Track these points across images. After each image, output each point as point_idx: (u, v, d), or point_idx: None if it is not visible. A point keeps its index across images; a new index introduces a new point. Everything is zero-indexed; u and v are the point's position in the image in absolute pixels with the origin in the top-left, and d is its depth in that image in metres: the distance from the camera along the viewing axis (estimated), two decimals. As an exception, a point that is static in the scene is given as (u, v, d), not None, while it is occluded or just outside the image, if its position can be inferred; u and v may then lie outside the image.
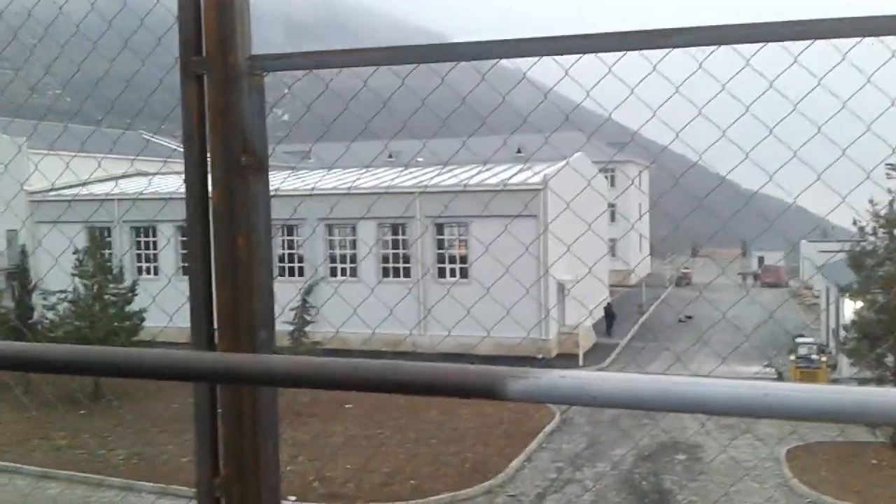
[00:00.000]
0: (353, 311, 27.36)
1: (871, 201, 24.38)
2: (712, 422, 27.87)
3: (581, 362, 35.23)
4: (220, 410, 1.76)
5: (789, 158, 2.71)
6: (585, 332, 37.08)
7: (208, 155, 1.73)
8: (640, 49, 1.87)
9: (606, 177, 55.56)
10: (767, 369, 33.37)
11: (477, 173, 38.67)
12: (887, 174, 23.59)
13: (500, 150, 46.20)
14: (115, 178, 43.76)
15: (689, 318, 47.54)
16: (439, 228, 39.41)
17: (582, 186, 37.75)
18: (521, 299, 31.93)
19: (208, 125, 1.71)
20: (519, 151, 49.10)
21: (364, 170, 41.71)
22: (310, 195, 33.30)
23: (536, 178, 35.49)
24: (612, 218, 55.65)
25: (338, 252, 40.97)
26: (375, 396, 25.65)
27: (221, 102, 1.68)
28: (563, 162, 36.08)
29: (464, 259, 38.65)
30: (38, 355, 1.44)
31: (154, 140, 58.13)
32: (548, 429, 26.99)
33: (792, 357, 31.88)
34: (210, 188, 1.73)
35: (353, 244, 40.31)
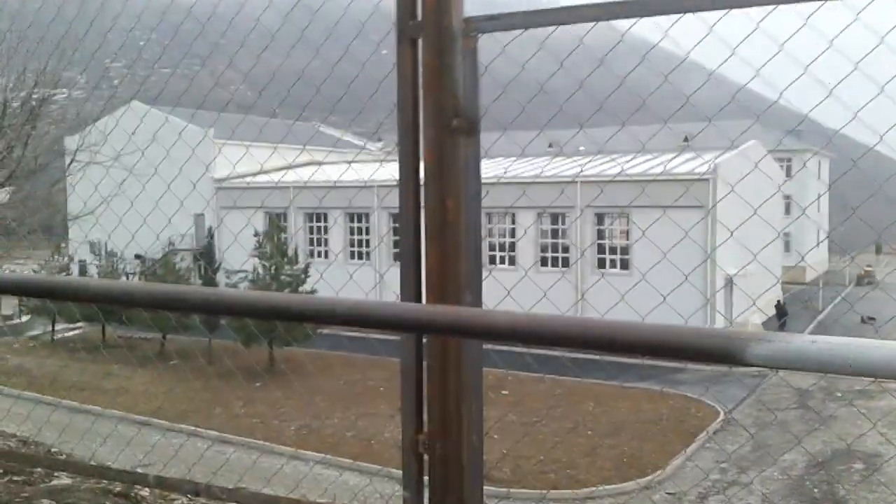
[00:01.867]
0: (507, 293, 27.40)
1: None
2: (893, 430, 25.63)
3: (749, 361, 33.51)
4: (426, 366, 1.80)
5: None
6: (755, 329, 35.14)
7: (421, 118, 1.76)
8: None
9: (782, 167, 52.18)
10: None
11: (642, 161, 37.57)
12: None
13: (667, 138, 44.63)
14: (291, 167, 46.47)
15: (872, 319, 43.76)
16: (599, 218, 38.68)
17: (754, 176, 35.76)
18: (682, 291, 30.83)
19: (423, 88, 1.73)
20: (686, 139, 47.15)
21: (525, 158, 41.64)
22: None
23: (704, 167, 33.95)
24: (787, 210, 52.25)
25: (497, 240, 41.23)
26: (531, 387, 25.68)
27: (436, 65, 1.71)
28: (735, 150, 34.28)
29: (625, 250, 37.74)
30: (269, 301, 1.52)
31: (323, 131, 61.05)
32: (711, 428, 25.85)
33: None
34: (422, 150, 1.76)
35: (513, 232, 40.39)
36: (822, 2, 1.68)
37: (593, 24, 1.61)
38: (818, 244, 61.80)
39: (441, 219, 1.77)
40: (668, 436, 24.91)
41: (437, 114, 1.73)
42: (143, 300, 1.55)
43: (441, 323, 1.39)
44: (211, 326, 30.73)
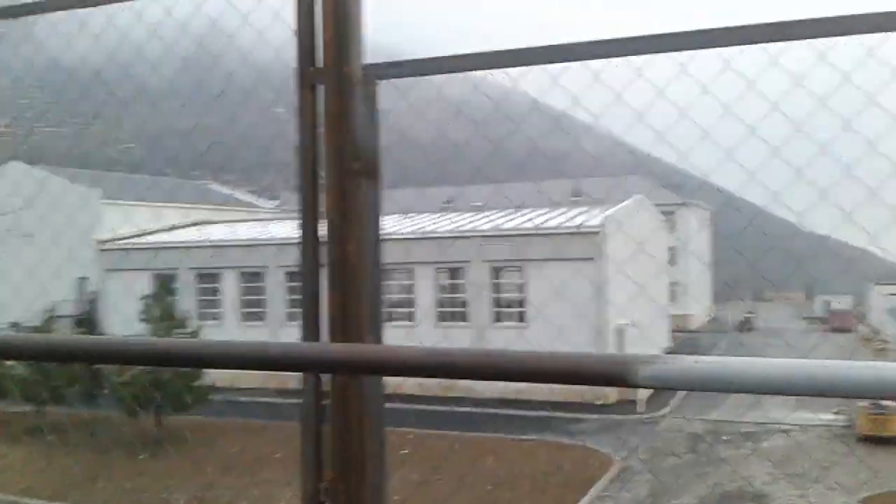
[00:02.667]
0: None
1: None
2: (780, 470, 26.83)
3: (641, 409, 34.44)
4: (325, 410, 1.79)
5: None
6: (645, 377, 36.34)
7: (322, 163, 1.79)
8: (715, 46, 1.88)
9: (666, 219, 54.87)
10: (838, 415, 32.16)
11: (534, 218, 38.68)
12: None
13: (559, 192, 46.23)
14: (179, 227, 45.19)
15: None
16: (496, 273, 39.37)
17: (640, 227, 37.40)
18: (576, 341, 31.60)
19: (323, 133, 1.77)
20: (576, 196, 48.93)
21: (422, 216, 42.11)
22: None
23: (595, 221, 35.29)
24: (673, 260, 54.77)
25: (395, 296, 41.19)
26: (430, 442, 25.43)
27: (336, 110, 1.75)
28: (622, 204, 35.84)
29: (521, 303, 38.46)
30: (162, 350, 1.49)
31: (216, 189, 59.93)
32: (606, 476, 26.31)
33: (862, 403, 30.60)
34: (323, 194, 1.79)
35: (411, 289, 40.48)
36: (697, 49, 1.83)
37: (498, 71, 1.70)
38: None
39: (342, 262, 1.79)
40: (567, 486, 25.19)
41: (338, 158, 1.77)
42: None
43: (341, 359, 1.40)
44: (90, 397, 29.16)
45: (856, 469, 26.61)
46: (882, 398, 1.17)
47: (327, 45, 1.74)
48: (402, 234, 37.90)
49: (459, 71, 1.69)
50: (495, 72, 1.73)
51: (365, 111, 1.75)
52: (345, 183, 1.75)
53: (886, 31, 2.14)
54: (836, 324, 59.94)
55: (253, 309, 44.34)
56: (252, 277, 43.97)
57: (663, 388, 1.27)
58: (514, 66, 1.70)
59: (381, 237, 1.82)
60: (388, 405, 1.94)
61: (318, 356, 1.41)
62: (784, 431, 31.88)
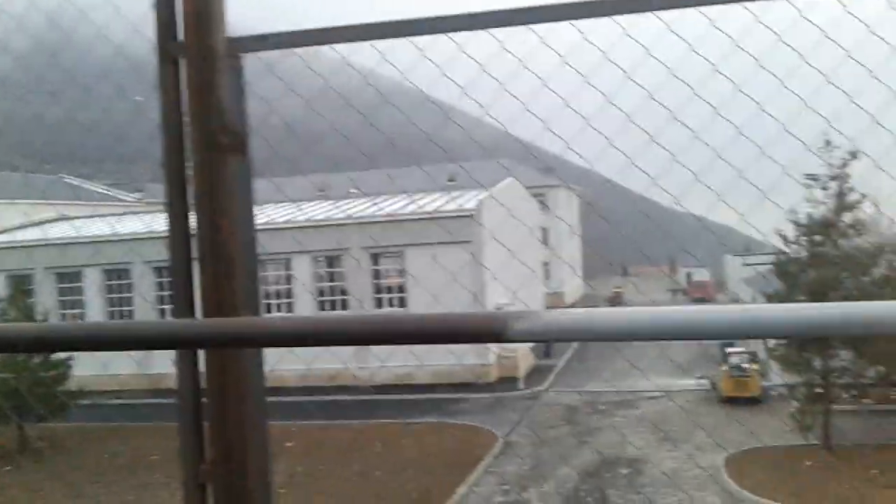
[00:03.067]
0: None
1: (792, 211, 25.49)
2: (653, 435, 28.35)
3: (521, 385, 35.42)
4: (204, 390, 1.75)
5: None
6: (524, 355, 37.37)
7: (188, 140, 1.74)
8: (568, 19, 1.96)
9: (539, 201, 56.47)
10: (702, 381, 34.24)
11: (410, 203, 38.82)
12: (806, 184, 24.76)
13: (433, 181, 46.57)
14: (36, 224, 42.35)
15: (624, 336, 48.33)
16: (375, 259, 39.31)
17: (514, 210, 38.29)
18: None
19: (187, 108, 1.72)
20: (451, 180, 49.46)
21: (296, 205, 41.36)
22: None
23: (469, 206, 35.85)
24: (545, 242, 56.48)
25: (272, 288, 40.35)
26: (315, 433, 25.15)
27: (199, 85, 1.70)
28: (494, 188, 36.56)
29: (401, 288, 38.61)
30: (35, 334, 1.41)
31: (72, 182, 56.47)
32: (491, 453, 26.95)
33: (724, 367, 32.77)
34: (190, 170, 1.74)
35: (288, 279, 39.78)
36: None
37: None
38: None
39: (213, 239, 1.75)
40: (454, 466, 25.61)
41: (204, 133, 1.72)
42: None
43: (213, 333, 1.37)
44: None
45: (720, 429, 28.49)
46: (730, 339, 1.28)
47: (188, 17, 1.69)
48: (277, 223, 37.16)
49: (329, 44, 1.68)
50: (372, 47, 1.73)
51: (231, 85, 1.71)
52: (213, 159, 1.71)
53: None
54: (696, 294, 63.82)
55: (116, 308, 42.30)
56: (115, 274, 41.88)
57: (537, 340, 1.33)
58: (384, 39, 1.71)
59: (253, 212, 1.79)
60: (270, 399, 1.92)
61: (188, 332, 1.38)
62: (654, 398, 33.68)
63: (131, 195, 58.90)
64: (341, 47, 1.79)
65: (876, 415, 26.84)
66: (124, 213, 46.27)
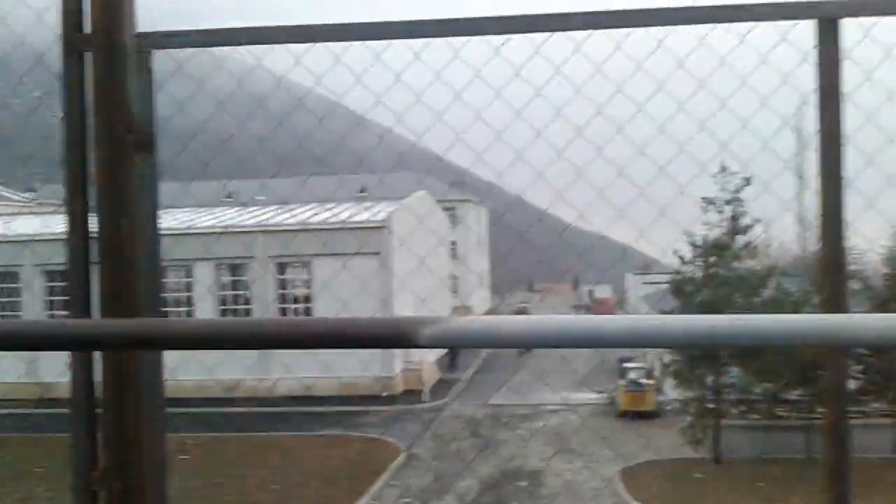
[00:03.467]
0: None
1: (689, 233, 26.60)
2: (551, 448, 28.88)
3: (426, 397, 35.46)
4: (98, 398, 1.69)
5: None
6: (429, 367, 37.46)
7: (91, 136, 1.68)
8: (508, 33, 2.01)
9: (449, 215, 56.86)
10: (601, 394, 35.15)
11: (319, 212, 38.41)
12: (703, 207, 25.90)
13: (343, 190, 46.24)
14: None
15: (528, 350, 49.22)
16: (281, 268, 38.64)
17: (424, 224, 38.45)
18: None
19: (93, 103, 1.66)
20: (362, 191, 49.24)
21: (202, 209, 40.25)
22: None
23: (379, 217, 35.77)
24: (454, 255, 56.90)
25: (171, 295, 39.04)
26: (214, 446, 24.42)
27: (106, 80, 1.65)
28: (405, 200, 36.64)
29: (307, 299, 38.08)
30: None
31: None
32: (394, 465, 26.84)
33: (622, 382, 33.75)
34: (92, 167, 1.68)
35: (189, 286, 38.60)
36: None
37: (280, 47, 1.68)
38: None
39: (114, 239, 1.69)
40: (356, 478, 25.37)
41: (109, 130, 1.66)
42: None
43: (108, 334, 1.33)
44: None
45: (616, 442, 29.30)
46: (623, 346, 1.33)
47: (95, 9, 1.63)
48: (179, 228, 36.03)
49: (240, 44, 1.66)
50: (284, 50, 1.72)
51: (138, 81, 1.67)
52: (117, 156, 1.66)
53: (673, 24, 2.39)
54: (598, 310, 65.61)
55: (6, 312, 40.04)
56: (4, 278, 39.66)
57: (446, 346, 1.35)
58: (296, 42, 1.70)
59: (158, 213, 1.74)
60: (169, 409, 1.86)
61: (82, 331, 1.33)
62: (555, 411, 34.36)
63: (22, 195, 55.92)
64: (255, 50, 1.77)
65: (762, 430, 28.18)
66: (14, 214, 43.90)
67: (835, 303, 2.25)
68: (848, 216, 2.21)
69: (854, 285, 31.32)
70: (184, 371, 30.48)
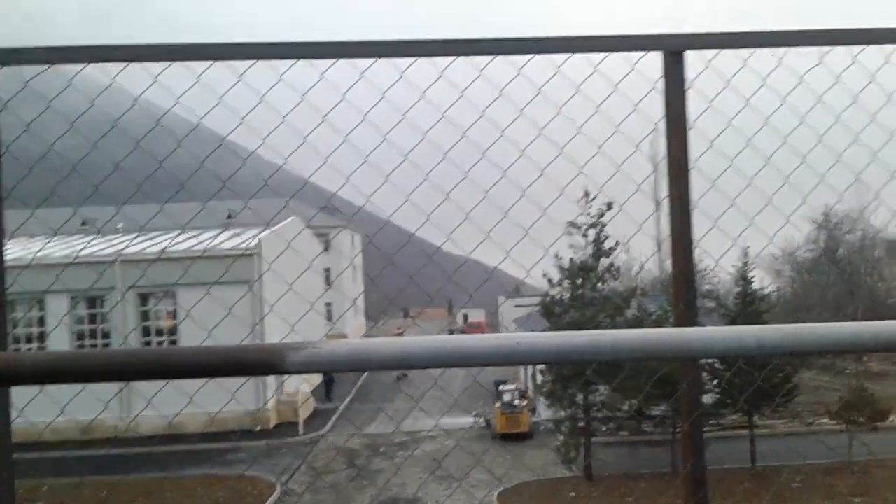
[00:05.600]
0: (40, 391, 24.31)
1: (556, 256, 27.53)
2: (430, 473, 28.90)
3: (301, 430, 34.66)
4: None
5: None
6: (304, 399, 36.66)
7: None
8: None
9: (322, 242, 56.19)
10: (477, 418, 35.57)
11: (186, 239, 36.99)
12: (568, 232, 26.90)
13: (211, 216, 44.76)
14: None
15: (405, 375, 49.27)
16: (143, 299, 36.87)
17: (296, 251, 37.82)
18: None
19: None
20: (229, 217, 47.89)
21: (52, 238, 37.82)
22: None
23: (248, 244, 34.86)
24: (328, 282, 56.23)
25: (21, 331, 36.38)
26: (68, 493, 22.80)
27: (-60, 95, 1.52)
28: (276, 227, 35.92)
29: (172, 331, 36.47)
30: None
31: None
32: (268, 502, 26.00)
33: (497, 404, 34.31)
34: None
35: (41, 321, 36.11)
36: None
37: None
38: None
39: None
40: (228, 517, 24.41)
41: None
42: None
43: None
44: None
45: (493, 465, 29.71)
46: (487, 364, 1.35)
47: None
48: (26, 259, 33.71)
49: (91, 62, 1.57)
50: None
51: (-22, 98, 1.55)
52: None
53: (534, 52, 2.46)
54: (472, 333, 66.55)
55: None
56: None
57: (315, 371, 1.32)
58: (155, 61, 1.64)
59: (2, 242, 1.61)
60: (17, 455, 1.72)
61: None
62: (433, 437, 34.43)
63: None
64: (112, 68, 1.68)
65: (630, 445, 29.36)
66: None
67: (687, 317, 2.38)
68: (696, 237, 2.37)
69: (709, 304, 33.44)
70: (37, 412, 28.39)
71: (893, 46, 2.75)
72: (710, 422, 29.36)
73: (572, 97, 2.65)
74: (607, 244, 26.99)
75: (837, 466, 27.27)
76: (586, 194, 25.99)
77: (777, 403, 27.70)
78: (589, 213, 26.76)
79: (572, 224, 25.94)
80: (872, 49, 2.70)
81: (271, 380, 35.87)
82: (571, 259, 27.82)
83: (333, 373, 1.32)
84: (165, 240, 36.51)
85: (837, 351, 1.42)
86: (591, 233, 26.89)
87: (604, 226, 26.57)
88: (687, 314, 2.40)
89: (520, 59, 2.65)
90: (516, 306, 52.37)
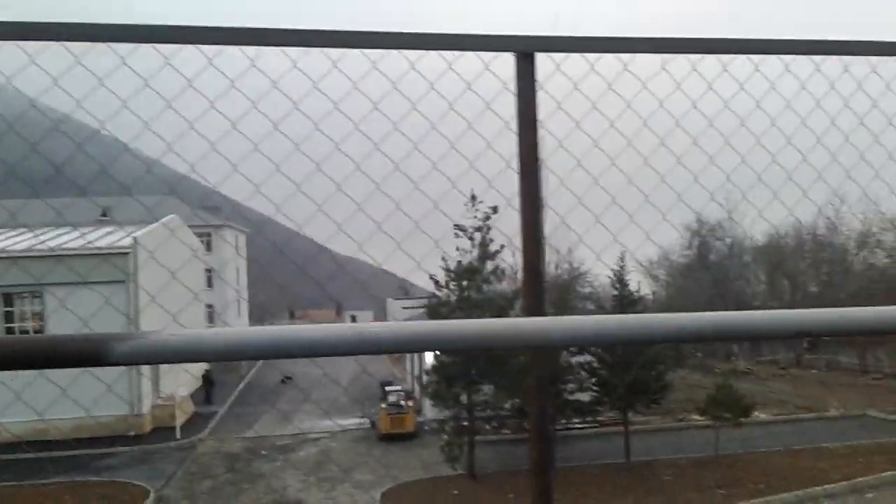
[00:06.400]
0: None
1: (443, 258, 27.74)
2: (312, 476, 28.52)
3: (178, 435, 33.42)
4: None
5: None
6: (182, 402, 35.36)
7: None
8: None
9: (203, 241, 54.35)
10: (362, 420, 35.39)
11: (56, 235, 34.94)
12: (455, 234, 27.18)
13: (85, 211, 42.54)
14: None
15: (290, 378, 48.43)
16: (7, 300, 34.59)
17: (175, 249, 36.45)
18: (106, 369, 29.35)
19: None
20: (104, 215, 45.65)
21: None
22: None
23: (125, 241, 33.29)
24: (210, 283, 54.45)
25: None
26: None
27: None
28: (154, 224, 34.53)
29: (39, 332, 34.37)
30: None
31: None
32: (142, 510, 24.95)
33: (383, 405, 34.24)
34: None
35: None
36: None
37: None
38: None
39: None
40: (97, 527, 23.22)
41: None
42: None
43: None
44: None
45: (377, 466, 29.61)
46: (333, 354, 1.33)
47: None
48: None
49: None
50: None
51: None
52: None
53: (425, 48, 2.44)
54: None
55: None
56: None
57: (142, 364, 1.25)
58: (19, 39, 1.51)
59: None
60: None
61: None
62: (315, 440, 33.99)
63: None
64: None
65: (512, 443, 29.96)
66: None
67: (536, 308, 2.45)
68: (547, 232, 2.44)
69: (590, 306, 34.61)
70: None
71: (744, 55, 2.91)
72: (588, 418, 30.40)
73: (427, 94, 2.65)
74: (493, 247, 27.44)
75: (706, 460, 28.78)
76: (473, 197, 26.37)
77: (651, 400, 28.96)
78: (476, 217, 27.14)
79: (459, 227, 26.22)
80: (711, 59, 2.86)
81: (147, 384, 34.42)
82: (459, 262, 28.10)
83: (164, 364, 1.26)
84: (33, 236, 34.45)
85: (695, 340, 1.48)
86: (478, 236, 27.26)
87: (489, 228, 27.00)
88: (535, 305, 2.47)
89: (413, 54, 2.64)
90: (403, 308, 52.48)
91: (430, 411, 33.93)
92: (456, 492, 26.21)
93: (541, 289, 2.44)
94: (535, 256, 2.35)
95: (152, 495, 26.24)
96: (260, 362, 54.45)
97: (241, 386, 45.90)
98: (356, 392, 43.10)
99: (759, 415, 33.24)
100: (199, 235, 48.57)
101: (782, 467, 26.60)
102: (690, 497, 25.01)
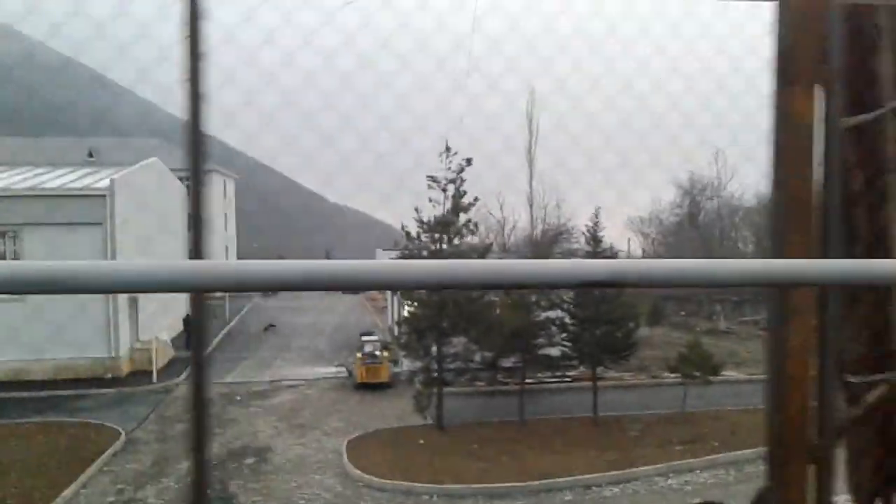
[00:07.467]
0: None
1: (416, 209, 27.58)
2: (284, 423, 28.83)
3: (155, 379, 33.69)
4: None
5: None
6: (161, 346, 35.55)
7: None
8: None
9: (185, 185, 54.00)
10: (339, 368, 35.64)
11: (30, 178, 34.75)
12: (428, 185, 26.97)
13: (74, 152, 42.27)
14: None
15: (273, 326, 48.71)
16: (-14, 239, 34.55)
17: (155, 193, 36.28)
18: (82, 315, 29.51)
19: None
20: (90, 156, 45.34)
21: None
22: None
23: (103, 183, 33.10)
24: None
25: None
26: None
27: None
28: (133, 167, 34.29)
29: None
30: None
31: None
32: (110, 451, 25.22)
33: (359, 355, 34.44)
34: None
35: None
36: None
37: None
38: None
39: None
40: (64, 467, 23.51)
41: None
42: None
43: None
44: None
45: (349, 414, 29.91)
46: (267, 289, 1.23)
47: None
48: None
49: None
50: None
51: None
52: None
53: None
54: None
55: None
56: None
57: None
58: None
59: None
60: None
61: None
62: (292, 387, 34.29)
63: None
64: None
65: (482, 395, 30.19)
66: None
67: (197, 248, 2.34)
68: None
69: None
70: None
71: None
72: (558, 373, 30.55)
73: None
74: (466, 199, 27.23)
75: (674, 416, 29.02)
76: (447, 149, 26.11)
77: (620, 357, 29.05)
78: (450, 168, 26.90)
79: (431, 178, 26.01)
80: None
81: (125, 327, 34.58)
82: (435, 216, 27.92)
83: (19, 294, 1.13)
84: (11, 176, 34.29)
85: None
86: (451, 188, 27.04)
87: (463, 181, 26.76)
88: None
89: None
90: (391, 259, 52.44)
91: (408, 363, 34.15)
92: (422, 441, 26.50)
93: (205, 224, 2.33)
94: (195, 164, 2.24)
95: (123, 437, 26.56)
96: (245, 309, 54.68)
97: (223, 332, 46.16)
98: (337, 343, 43.36)
99: (734, 373, 33.38)
100: (184, 180, 48.25)
101: (745, 425, 26.78)
102: (648, 453, 25.28)
